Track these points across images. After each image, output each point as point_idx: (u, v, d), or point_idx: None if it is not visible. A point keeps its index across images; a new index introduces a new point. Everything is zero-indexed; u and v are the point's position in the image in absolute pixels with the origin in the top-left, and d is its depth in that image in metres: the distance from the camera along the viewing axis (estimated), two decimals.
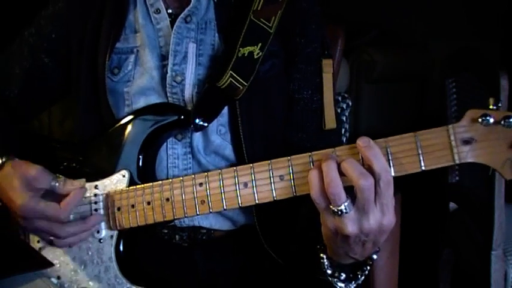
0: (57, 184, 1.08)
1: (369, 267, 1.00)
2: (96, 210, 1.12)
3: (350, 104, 1.78)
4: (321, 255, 1.01)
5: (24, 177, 1.06)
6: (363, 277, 1.01)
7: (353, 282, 1.01)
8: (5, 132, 1.25)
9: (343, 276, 1.00)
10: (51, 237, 1.11)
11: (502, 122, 0.87)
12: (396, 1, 3.72)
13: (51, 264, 1.12)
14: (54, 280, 1.14)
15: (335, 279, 1.01)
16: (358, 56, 3.23)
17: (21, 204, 1.05)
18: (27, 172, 1.07)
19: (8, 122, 1.29)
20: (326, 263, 1.01)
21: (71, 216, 1.11)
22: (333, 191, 0.88)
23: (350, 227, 0.89)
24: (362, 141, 0.90)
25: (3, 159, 1.11)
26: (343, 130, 1.73)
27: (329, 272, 1.01)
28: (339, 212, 0.89)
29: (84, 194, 1.11)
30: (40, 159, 1.19)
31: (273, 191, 0.99)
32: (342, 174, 0.90)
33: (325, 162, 0.90)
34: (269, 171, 0.99)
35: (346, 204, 0.88)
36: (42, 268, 1.13)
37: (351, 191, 0.89)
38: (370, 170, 0.88)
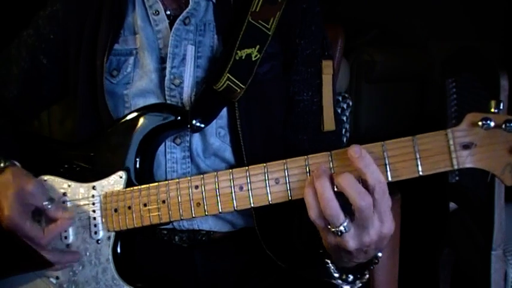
0: (49, 206, 1.08)
1: (374, 265, 0.99)
2: (93, 211, 1.12)
3: (350, 104, 1.78)
4: (326, 260, 1.00)
5: (20, 188, 1.06)
6: (367, 275, 1.01)
7: (358, 281, 1.01)
8: (5, 136, 1.25)
9: (351, 277, 1.00)
10: None
11: (503, 126, 0.85)
12: (396, 1, 3.72)
13: (50, 264, 1.12)
14: (53, 280, 1.14)
15: (341, 282, 1.01)
16: (358, 56, 3.24)
17: (7, 215, 1.05)
18: (25, 185, 1.07)
19: (8, 125, 1.28)
20: (332, 268, 1.00)
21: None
22: (330, 213, 0.87)
23: (351, 243, 0.89)
24: (354, 152, 0.88)
25: (6, 163, 1.11)
26: (343, 130, 1.73)
27: (336, 275, 1.00)
28: (339, 233, 0.88)
29: (69, 225, 1.11)
30: (40, 160, 1.19)
31: (269, 195, 0.98)
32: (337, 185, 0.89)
33: (319, 180, 0.89)
34: (264, 174, 0.98)
35: (344, 224, 0.88)
36: (42, 268, 1.13)
37: (345, 197, 0.88)
38: (364, 181, 0.87)
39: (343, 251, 0.92)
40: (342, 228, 0.88)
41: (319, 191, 0.88)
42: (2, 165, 1.11)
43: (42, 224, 1.11)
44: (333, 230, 0.88)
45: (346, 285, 1.01)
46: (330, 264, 1.00)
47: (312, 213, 0.90)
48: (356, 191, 0.86)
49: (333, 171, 0.93)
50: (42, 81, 1.30)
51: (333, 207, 0.87)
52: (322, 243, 0.96)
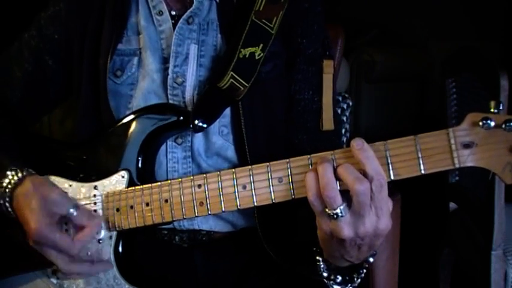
0: (74, 213, 1.06)
1: (365, 270, 1.00)
2: (95, 210, 1.12)
3: (350, 104, 1.78)
4: (317, 257, 1.01)
5: (44, 199, 1.03)
6: (359, 280, 1.01)
7: (349, 285, 1.01)
8: (5, 136, 1.23)
9: (339, 279, 1.00)
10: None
11: (503, 126, 0.86)
12: (396, 1, 3.72)
13: (51, 264, 1.11)
14: (53, 280, 1.13)
15: (331, 282, 1.01)
16: (358, 56, 3.24)
17: (35, 228, 1.01)
18: (48, 195, 1.04)
19: (8, 125, 1.27)
20: (322, 266, 1.01)
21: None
22: (328, 194, 0.88)
23: (346, 230, 0.89)
24: (356, 143, 0.89)
25: (24, 174, 1.07)
26: (343, 130, 1.73)
27: (325, 274, 1.01)
28: (335, 216, 0.89)
29: (99, 229, 1.10)
30: (40, 160, 1.19)
31: (272, 194, 0.98)
32: (338, 179, 0.90)
33: (321, 164, 0.90)
34: (268, 173, 0.98)
35: (341, 207, 0.88)
36: (42, 268, 1.13)
37: (347, 195, 0.89)
38: (364, 172, 0.88)
39: (336, 241, 0.92)
40: (338, 211, 0.88)
41: (320, 172, 0.90)
42: (20, 175, 1.07)
43: (70, 232, 1.09)
44: (329, 212, 0.89)
45: (335, 285, 1.01)
46: (321, 262, 1.00)
47: (311, 194, 0.90)
48: (354, 176, 0.88)
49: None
50: (47, 84, 1.29)
51: (332, 188, 0.88)
52: (318, 240, 0.97)
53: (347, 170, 0.89)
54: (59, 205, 1.05)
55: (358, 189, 0.86)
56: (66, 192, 1.09)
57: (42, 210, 1.03)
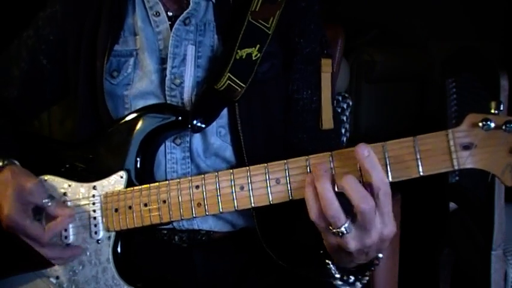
0: (49, 204, 1.09)
1: (375, 266, 0.99)
2: (94, 211, 1.12)
3: (350, 104, 1.78)
4: (327, 261, 0.99)
5: (19, 187, 1.07)
6: (369, 272, 1.00)
7: (358, 282, 1.00)
8: (5, 136, 1.25)
9: (352, 279, 1.00)
10: None
11: (504, 127, 0.85)
12: (396, 1, 3.72)
13: (51, 264, 1.12)
14: (53, 280, 1.14)
15: (342, 283, 1.00)
16: (358, 56, 3.25)
17: (7, 214, 1.05)
18: (24, 183, 1.07)
19: (8, 125, 1.28)
20: (333, 268, 0.99)
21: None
22: (331, 214, 0.86)
23: (352, 244, 0.88)
24: (362, 151, 0.87)
25: (5, 162, 1.11)
26: (343, 130, 1.73)
27: (337, 276, 1.00)
28: (340, 234, 0.88)
29: (69, 223, 1.12)
30: (40, 160, 1.19)
31: (269, 195, 0.98)
32: (340, 186, 0.88)
33: (319, 181, 0.88)
34: (265, 174, 0.98)
35: (346, 225, 0.87)
36: (42, 268, 1.13)
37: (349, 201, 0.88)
38: (367, 182, 0.87)
39: (343, 252, 0.91)
40: (343, 229, 0.87)
41: (320, 191, 0.88)
42: (0, 164, 1.11)
43: (43, 222, 1.11)
44: (334, 230, 0.88)
45: (346, 286, 1.00)
46: (331, 265, 0.99)
47: (313, 213, 0.89)
48: (360, 195, 0.85)
49: (333, 172, 0.93)
50: (42, 83, 1.30)
51: (334, 208, 0.86)
52: (323, 243, 0.96)
53: (352, 187, 0.86)
54: (34, 195, 1.08)
55: (365, 209, 0.85)
56: (42, 183, 1.12)
57: (16, 197, 1.06)
